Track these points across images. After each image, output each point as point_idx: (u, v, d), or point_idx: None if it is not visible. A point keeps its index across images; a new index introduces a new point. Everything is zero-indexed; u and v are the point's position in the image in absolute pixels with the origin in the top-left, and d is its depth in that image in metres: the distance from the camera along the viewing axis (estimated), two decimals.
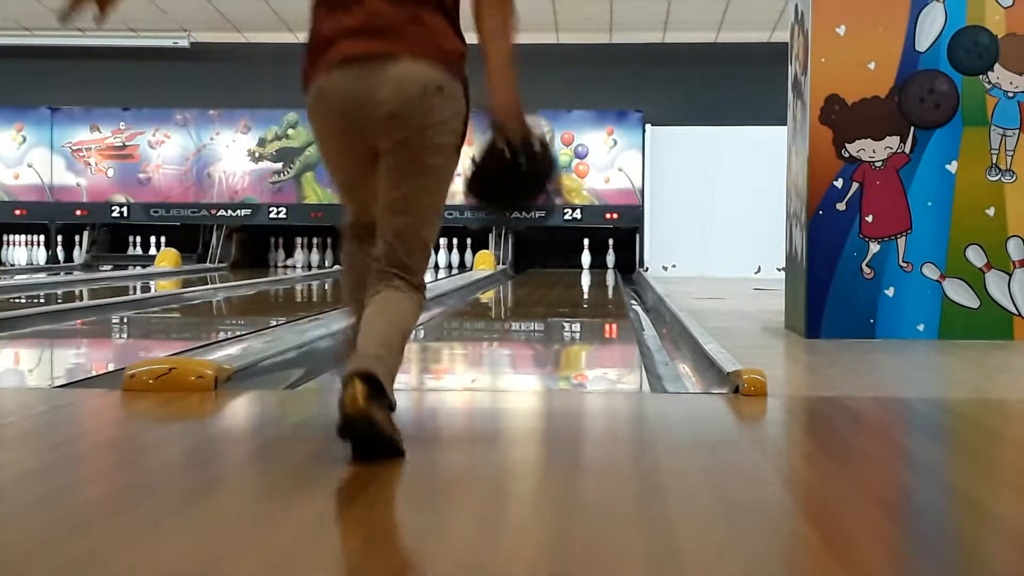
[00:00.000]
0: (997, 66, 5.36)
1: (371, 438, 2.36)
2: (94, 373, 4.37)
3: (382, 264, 2.62)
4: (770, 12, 12.48)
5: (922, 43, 5.36)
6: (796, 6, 5.89)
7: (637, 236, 13.85)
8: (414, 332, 2.82)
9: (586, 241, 14.18)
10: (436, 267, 13.96)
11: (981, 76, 5.36)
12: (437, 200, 2.68)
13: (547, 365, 5.33)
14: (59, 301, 8.27)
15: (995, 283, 5.38)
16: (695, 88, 14.32)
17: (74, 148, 14.31)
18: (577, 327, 7.28)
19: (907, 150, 5.37)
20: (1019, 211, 5.37)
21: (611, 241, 14.14)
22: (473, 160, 2.71)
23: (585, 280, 12.26)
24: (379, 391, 2.37)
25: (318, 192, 14.08)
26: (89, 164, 14.28)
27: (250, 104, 14.34)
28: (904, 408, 3.52)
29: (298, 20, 13.66)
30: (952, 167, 5.36)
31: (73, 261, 14.18)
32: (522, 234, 14.12)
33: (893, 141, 5.37)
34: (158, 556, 1.75)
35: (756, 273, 13.00)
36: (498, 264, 13.43)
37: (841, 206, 5.37)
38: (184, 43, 14.51)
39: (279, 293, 10.05)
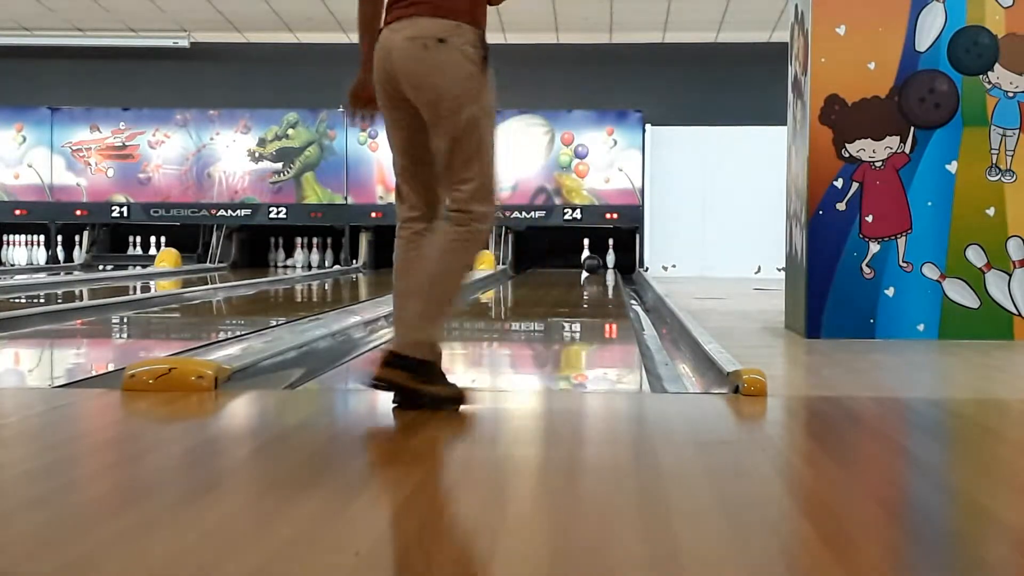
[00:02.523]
0: (997, 66, 5.36)
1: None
2: (94, 373, 4.36)
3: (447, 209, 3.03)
4: (770, 12, 12.48)
5: (922, 43, 5.36)
6: (796, 6, 5.89)
7: (637, 236, 13.85)
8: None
9: (586, 241, 14.18)
10: None
11: (981, 76, 5.36)
12: (476, 136, 2.97)
13: (547, 365, 5.33)
14: (59, 301, 8.27)
15: (995, 283, 5.38)
16: (695, 88, 14.33)
17: (74, 148, 14.32)
18: (577, 327, 7.28)
19: (907, 150, 5.37)
20: (1019, 211, 5.37)
21: (611, 241, 14.15)
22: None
23: (585, 280, 12.26)
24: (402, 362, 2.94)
25: (318, 192, 14.09)
26: (89, 164, 14.29)
27: (250, 104, 14.34)
28: (904, 408, 3.52)
29: (298, 20, 13.69)
30: (952, 167, 5.36)
31: (73, 261, 14.18)
32: (522, 234, 14.11)
33: (893, 141, 5.37)
34: (157, 556, 1.75)
35: (756, 273, 13.01)
36: (498, 264, 13.42)
37: (841, 206, 5.37)
38: (184, 43, 14.52)
39: (279, 293, 10.05)
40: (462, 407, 3.04)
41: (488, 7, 3.13)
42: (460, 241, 2.98)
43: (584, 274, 13.36)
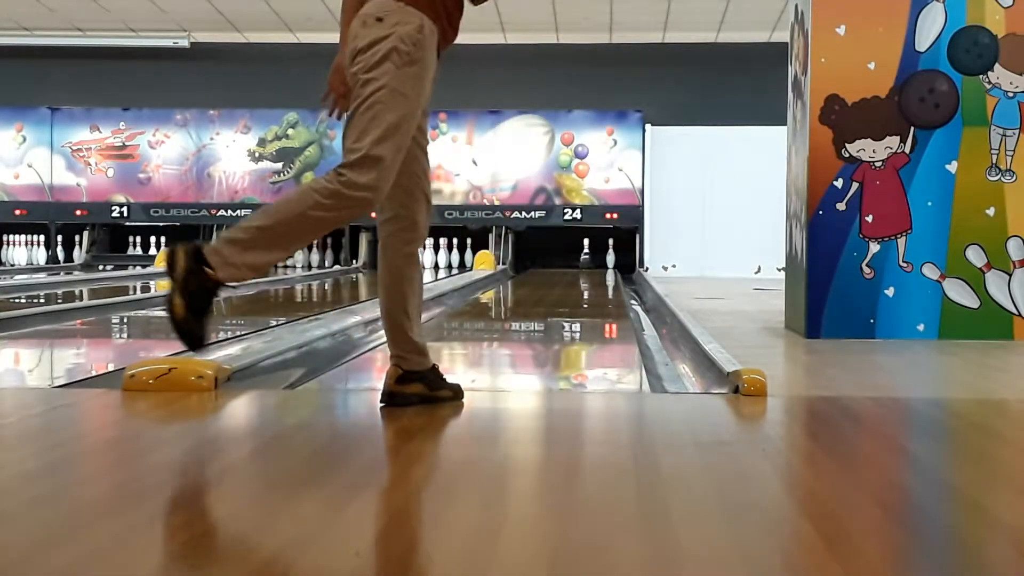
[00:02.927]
0: (997, 66, 5.36)
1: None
2: (94, 373, 4.36)
3: None
4: (770, 12, 12.48)
5: (922, 43, 5.37)
6: (796, 6, 5.89)
7: (637, 236, 13.85)
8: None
9: (586, 241, 14.19)
10: (436, 267, 13.97)
11: (981, 76, 5.36)
12: (374, 111, 2.86)
13: (547, 365, 5.32)
14: (59, 301, 8.27)
15: (995, 283, 5.38)
16: (695, 88, 14.33)
17: (74, 148, 14.32)
18: (577, 327, 7.28)
19: (907, 150, 5.37)
20: (1019, 211, 5.37)
21: (611, 241, 14.15)
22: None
23: (585, 280, 12.26)
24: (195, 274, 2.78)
25: None
26: (89, 164, 14.29)
27: (250, 104, 14.34)
28: (904, 408, 3.52)
29: (298, 20, 13.68)
30: (952, 167, 5.36)
31: (73, 261, 14.19)
32: (522, 234, 14.12)
33: (893, 141, 5.37)
34: (157, 556, 1.75)
35: (756, 273, 13.01)
36: (498, 264, 13.43)
37: (841, 206, 5.37)
38: (184, 43, 14.52)
39: (279, 293, 10.04)
40: (198, 352, 2.96)
41: (473, 5, 3.09)
42: (315, 191, 2.82)
43: (584, 271, 13.44)
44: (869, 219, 5.36)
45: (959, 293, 5.37)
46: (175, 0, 13.00)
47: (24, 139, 14.36)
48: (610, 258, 14.16)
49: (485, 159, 14.03)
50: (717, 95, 14.19)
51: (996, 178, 5.37)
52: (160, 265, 2.85)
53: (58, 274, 12.12)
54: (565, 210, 13.87)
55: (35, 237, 14.37)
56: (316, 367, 4.52)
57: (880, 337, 5.34)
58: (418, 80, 2.91)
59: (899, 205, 5.36)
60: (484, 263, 13.19)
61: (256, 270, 2.87)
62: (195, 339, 2.85)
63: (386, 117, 2.85)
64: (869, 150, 5.37)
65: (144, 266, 13.57)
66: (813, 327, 5.38)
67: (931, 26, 5.36)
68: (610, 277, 12.82)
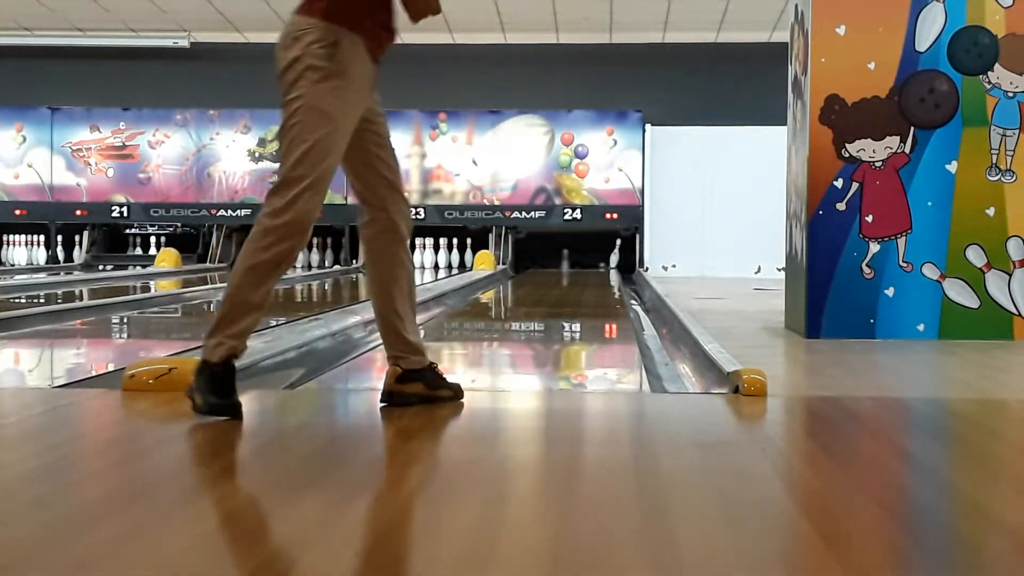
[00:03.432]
0: (997, 66, 5.36)
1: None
2: (94, 373, 4.36)
3: None
4: (770, 12, 12.48)
5: (922, 43, 5.36)
6: (796, 6, 5.89)
7: (637, 236, 13.85)
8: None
9: (617, 242, 14.22)
10: (436, 267, 13.97)
11: (981, 76, 5.36)
12: (292, 132, 2.86)
13: (547, 365, 5.33)
14: (59, 301, 8.27)
15: (995, 283, 5.38)
16: (695, 88, 14.33)
17: (74, 148, 14.32)
18: (577, 327, 7.28)
19: (907, 150, 5.37)
20: (1019, 211, 5.37)
21: (619, 242, 14.15)
22: None
23: (585, 280, 12.26)
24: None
25: None
26: (89, 164, 14.29)
27: (250, 104, 14.33)
28: (904, 408, 3.52)
29: None
30: (952, 167, 5.36)
31: (73, 261, 14.18)
32: (522, 234, 14.13)
33: (893, 141, 5.37)
34: (158, 556, 1.75)
35: (756, 273, 13.01)
36: (498, 264, 13.43)
37: (841, 206, 5.37)
38: (184, 43, 14.52)
39: (279, 293, 10.04)
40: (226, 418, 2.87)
41: (413, 22, 3.05)
42: (251, 240, 2.84)
43: (582, 271, 13.44)
44: (869, 219, 5.36)
45: (959, 293, 5.37)
46: (175, 0, 13.00)
47: (24, 139, 14.36)
48: (612, 258, 14.17)
49: (485, 159, 14.03)
50: (717, 95, 14.19)
51: (996, 178, 5.37)
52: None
53: (58, 274, 12.12)
54: (565, 210, 13.87)
55: (35, 237, 14.37)
56: (316, 367, 4.52)
57: (880, 337, 5.34)
58: (339, 93, 2.88)
59: (899, 205, 5.36)
60: (484, 263, 13.19)
61: (246, 333, 2.89)
62: (228, 411, 2.88)
63: (304, 137, 2.84)
64: (869, 150, 5.37)
65: (144, 266, 13.57)
66: (813, 327, 5.38)
67: (931, 26, 5.36)
68: (611, 277, 12.82)
